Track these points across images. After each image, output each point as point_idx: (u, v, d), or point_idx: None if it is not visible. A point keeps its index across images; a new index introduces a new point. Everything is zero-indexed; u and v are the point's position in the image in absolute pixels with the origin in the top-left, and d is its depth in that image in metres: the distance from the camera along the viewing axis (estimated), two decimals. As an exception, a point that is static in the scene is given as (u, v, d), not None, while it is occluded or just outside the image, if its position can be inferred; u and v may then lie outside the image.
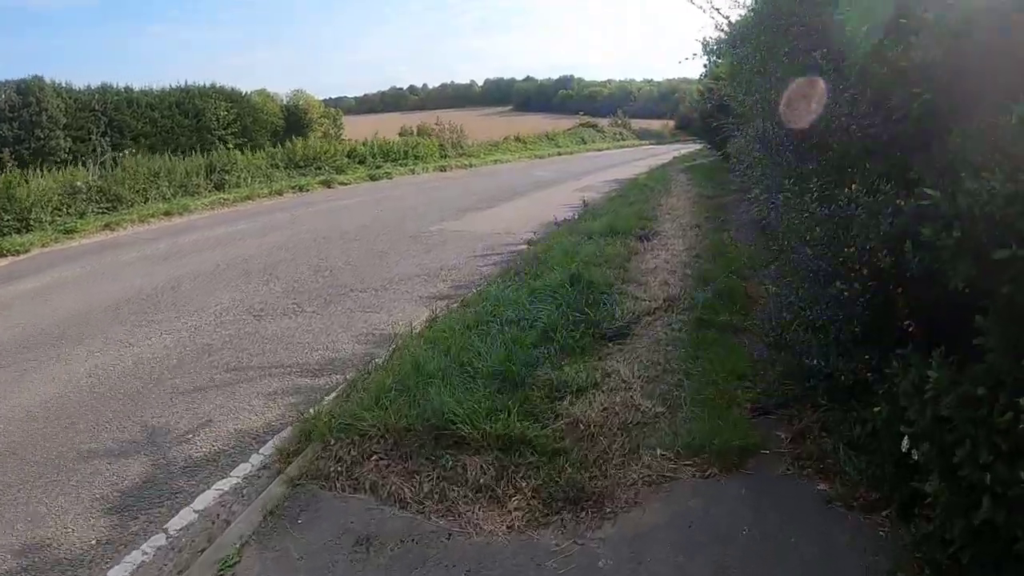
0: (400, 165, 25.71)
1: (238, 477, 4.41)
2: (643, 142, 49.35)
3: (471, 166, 28.00)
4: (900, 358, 3.13)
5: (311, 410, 4.79)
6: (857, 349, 3.75)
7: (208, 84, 27.70)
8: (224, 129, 26.55)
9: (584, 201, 13.59)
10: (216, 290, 8.81)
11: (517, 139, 36.05)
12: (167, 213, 16.17)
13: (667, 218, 11.65)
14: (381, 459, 4.12)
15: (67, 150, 20.25)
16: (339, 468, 4.07)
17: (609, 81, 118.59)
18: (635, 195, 14.61)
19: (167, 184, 18.08)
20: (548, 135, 39.62)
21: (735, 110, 10.91)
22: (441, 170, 26.22)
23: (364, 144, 26.13)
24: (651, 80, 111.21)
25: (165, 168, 18.55)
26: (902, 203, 3.00)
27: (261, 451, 4.70)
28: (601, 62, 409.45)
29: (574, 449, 3.98)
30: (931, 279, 2.91)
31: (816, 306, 3.90)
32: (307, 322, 7.39)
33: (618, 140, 47.07)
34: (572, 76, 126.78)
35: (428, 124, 72.68)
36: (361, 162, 25.04)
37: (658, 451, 3.97)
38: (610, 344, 5.55)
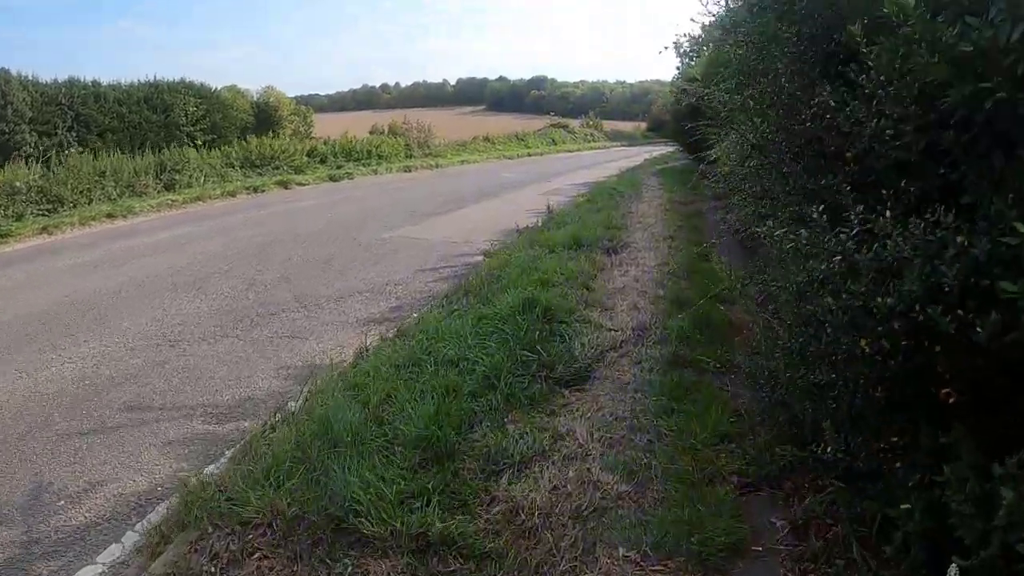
0: (363, 165, 24.64)
1: (103, 565, 3.46)
2: (614, 143, 48.61)
3: (437, 167, 26.97)
4: (948, 454, 2.28)
5: (193, 479, 3.82)
6: (880, 422, 2.87)
7: (177, 79, 27.30)
8: (193, 125, 26.00)
9: (549, 207, 12.59)
10: (137, 308, 7.71)
11: (486, 139, 35.07)
12: (110, 215, 14.98)
13: (637, 227, 10.77)
14: (265, 558, 3.15)
15: (33, 145, 19.28)
16: (213, 569, 3.12)
17: (582, 82, 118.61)
18: (604, 200, 13.71)
19: (113, 184, 16.95)
20: (518, 136, 38.65)
21: (717, 111, 10.07)
22: (406, 170, 25.18)
23: (325, 143, 25.07)
24: (624, 82, 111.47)
25: (112, 167, 17.44)
26: (964, 240, 2.09)
27: (138, 527, 3.72)
28: (575, 63, 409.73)
29: (511, 551, 3.02)
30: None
31: (826, 362, 3.00)
32: (227, 349, 6.37)
33: (589, 141, 46.22)
34: (545, 77, 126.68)
35: (399, 123, 72.03)
36: (322, 161, 23.96)
37: (620, 551, 3.05)
38: (566, 392, 4.58)
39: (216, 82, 53.92)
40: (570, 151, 40.01)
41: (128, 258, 10.44)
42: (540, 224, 11.30)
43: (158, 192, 17.83)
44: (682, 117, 20.71)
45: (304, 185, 20.62)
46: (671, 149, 35.79)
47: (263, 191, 19.28)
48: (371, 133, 62.23)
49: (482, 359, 4.77)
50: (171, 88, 26.59)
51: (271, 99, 55.67)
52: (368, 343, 5.76)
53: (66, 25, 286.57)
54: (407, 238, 11.35)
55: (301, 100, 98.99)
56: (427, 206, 15.08)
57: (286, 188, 20.00)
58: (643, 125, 61.33)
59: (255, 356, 6.16)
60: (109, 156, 18.77)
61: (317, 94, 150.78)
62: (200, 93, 28.12)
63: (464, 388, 4.35)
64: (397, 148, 27.47)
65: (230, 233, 12.32)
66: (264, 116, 52.75)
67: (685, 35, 25.87)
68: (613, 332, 5.62)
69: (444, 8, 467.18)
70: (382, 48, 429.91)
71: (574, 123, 51.41)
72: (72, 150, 19.56)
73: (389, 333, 6.15)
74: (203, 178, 19.72)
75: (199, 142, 26.20)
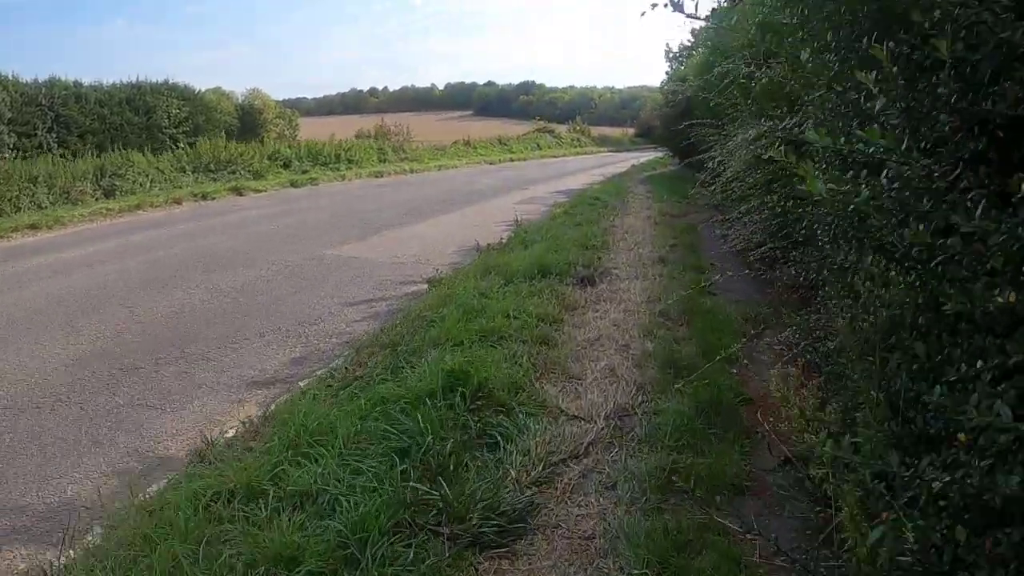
0: (331, 170, 22.75)
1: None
2: (602, 149, 46.85)
3: (412, 172, 25.07)
4: None
5: None
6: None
7: (161, 81, 26.63)
8: (175, 128, 25.08)
9: (517, 220, 10.69)
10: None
11: (467, 144, 33.21)
12: (33, 227, 13.04)
13: (621, 246, 8.92)
14: None
15: (11, 146, 18.24)
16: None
17: (571, 87, 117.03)
18: (584, 212, 11.86)
19: (46, 191, 15.08)
20: (501, 140, 36.80)
21: (718, 108, 8.30)
22: (377, 176, 23.28)
23: (290, 146, 23.14)
24: (612, 87, 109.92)
25: (45, 172, 15.54)
26: None
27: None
28: (565, 69, 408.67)
29: None
30: None
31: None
32: (52, 425, 4.47)
33: (575, 147, 44.41)
34: (534, 82, 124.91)
35: (386, 126, 70.37)
36: (286, 166, 22.04)
37: None
38: (481, 563, 2.66)
39: (206, 83, 52.41)
40: (555, 156, 38.17)
41: (16, 284, 8.45)
42: (505, 242, 9.36)
43: (96, 200, 15.91)
44: (672, 120, 18.96)
45: (260, 192, 18.70)
46: (660, 155, 34.17)
47: (214, 198, 17.36)
48: (357, 137, 60.72)
49: (350, 496, 2.85)
50: (154, 89, 25.89)
51: (256, 102, 54.07)
52: (212, 440, 3.85)
53: (58, 24, 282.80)
54: (349, 257, 9.46)
55: (289, 103, 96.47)
56: (385, 217, 13.19)
57: (240, 195, 18.08)
58: (631, 131, 60.00)
59: (83, 439, 4.26)
60: (47, 160, 17.12)
61: (305, 97, 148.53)
62: (183, 95, 27.37)
63: (304, 561, 2.45)
64: (369, 152, 25.59)
65: (150, 251, 10.33)
66: (249, 119, 51.33)
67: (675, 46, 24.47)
68: (577, 424, 3.74)
69: (436, 11, 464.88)
70: (373, 51, 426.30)
71: (561, 128, 49.66)
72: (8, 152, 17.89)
73: (280, 396, 4.31)
74: (149, 184, 17.79)
75: (181, 144, 25.29)
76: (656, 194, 14.87)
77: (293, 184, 19.98)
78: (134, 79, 25.65)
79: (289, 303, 7.18)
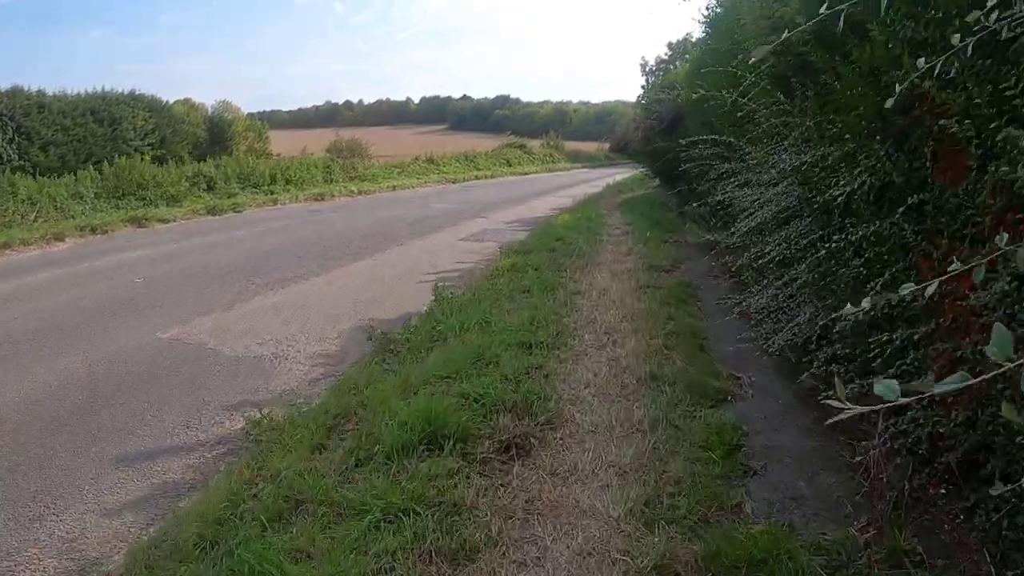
0: (263, 192, 19.42)
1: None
2: (575, 165, 43.82)
3: (360, 193, 21.77)
4: None
5: None
6: None
7: (127, 91, 25.89)
8: (141, 140, 24.10)
9: (436, 290, 7.28)
10: None
11: (429, 161, 29.95)
12: None
13: (588, 340, 5.56)
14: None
15: None
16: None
17: (546, 102, 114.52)
18: (541, 262, 8.51)
19: None
20: (467, 156, 33.52)
21: (745, 118, 5.14)
22: (317, 198, 19.96)
23: (217, 166, 19.72)
24: (587, 102, 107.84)
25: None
26: None
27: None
28: (539, 83, 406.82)
29: None
30: None
31: None
32: None
33: (547, 163, 41.28)
34: (509, 96, 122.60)
35: (358, 140, 67.17)
36: (209, 188, 18.66)
37: None
38: None
39: (181, 95, 49.56)
40: (526, 174, 35.02)
41: None
42: (411, 329, 6.03)
43: (-49, 235, 12.60)
44: (654, 136, 15.86)
45: (168, 222, 15.32)
46: (637, 172, 31.21)
47: (106, 231, 13.96)
48: (327, 152, 57.52)
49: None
50: (119, 100, 25.03)
51: (226, 114, 50.74)
52: None
53: (31, 33, 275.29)
54: (186, 347, 6.16)
55: (264, 115, 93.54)
56: (285, 264, 9.88)
57: (140, 226, 14.71)
58: (606, 146, 57.57)
59: None
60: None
61: (279, 110, 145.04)
62: (150, 106, 26.64)
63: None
64: (313, 171, 22.26)
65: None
66: (217, 131, 48.71)
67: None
68: None
69: (414, 26, 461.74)
70: (349, 64, 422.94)
71: (533, 143, 46.55)
72: None
73: None
74: (34, 215, 14.37)
75: (147, 157, 23.10)
76: (636, 226, 11.72)
77: (212, 211, 16.62)
78: (99, 89, 24.46)
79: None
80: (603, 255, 9.08)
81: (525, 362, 4.59)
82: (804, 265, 4.22)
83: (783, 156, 4.60)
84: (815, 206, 4.21)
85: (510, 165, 36.08)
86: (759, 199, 5.03)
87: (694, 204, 12.03)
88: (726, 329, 5.38)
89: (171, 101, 31.94)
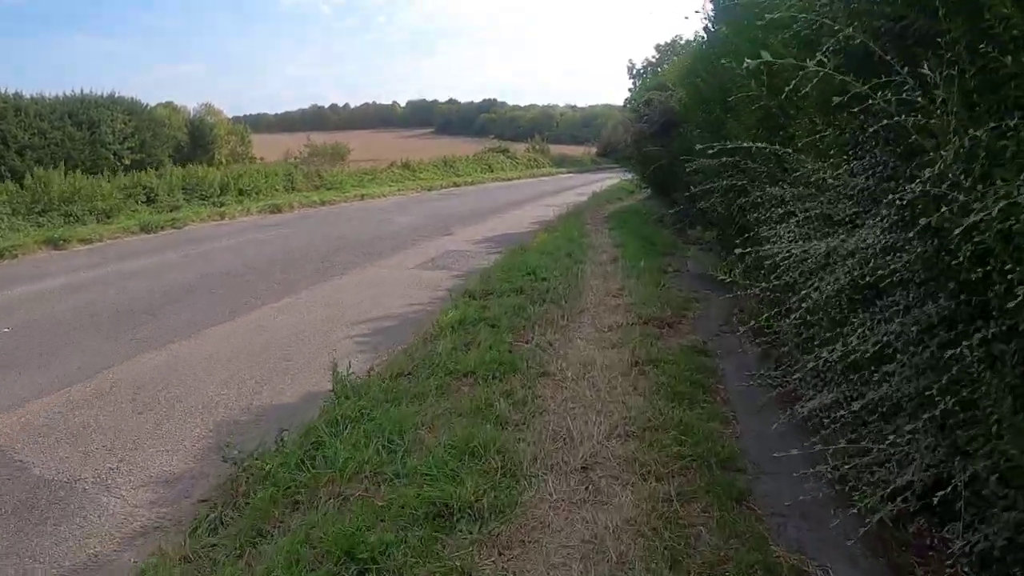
0: (211, 204, 17.27)
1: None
2: (560, 170, 41.72)
3: (324, 203, 19.62)
4: None
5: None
6: None
7: (107, 94, 24.94)
8: (120, 144, 23.39)
9: (335, 378, 5.04)
10: None
11: (405, 166, 27.78)
12: None
13: (552, 462, 3.43)
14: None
15: None
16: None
17: (532, 106, 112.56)
18: (504, 306, 6.32)
19: None
20: (446, 161, 31.34)
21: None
22: (274, 210, 17.82)
23: (160, 176, 17.55)
24: (574, 106, 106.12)
25: None
26: None
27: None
28: (525, 87, 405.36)
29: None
30: None
31: None
32: None
33: (531, 168, 39.16)
34: (495, 100, 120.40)
35: (342, 144, 64.95)
36: (149, 200, 16.49)
37: None
38: None
39: (166, 98, 47.92)
40: (508, 180, 32.93)
41: None
42: (264, 464, 3.81)
43: None
44: (645, 140, 13.86)
45: (91, 242, 13.16)
46: (624, 178, 29.23)
47: (15, 254, 11.80)
48: (305, 155, 55.33)
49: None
50: (98, 103, 24.08)
51: (208, 117, 48.64)
52: None
53: (16, 37, 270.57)
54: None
55: (250, 119, 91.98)
56: (186, 306, 7.80)
57: (58, 248, 12.55)
58: (593, 150, 55.78)
59: None
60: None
61: (265, 113, 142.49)
62: (130, 109, 25.70)
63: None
64: (271, 180, 20.11)
65: None
66: (199, 135, 47.64)
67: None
68: None
69: (400, 29, 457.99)
70: (336, 67, 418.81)
71: (518, 147, 44.45)
72: None
73: None
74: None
75: (126, 161, 23.68)
76: (627, 251, 9.62)
77: (146, 228, 14.45)
78: (78, 92, 23.77)
79: None
80: (586, 296, 6.97)
81: (434, 563, 2.50)
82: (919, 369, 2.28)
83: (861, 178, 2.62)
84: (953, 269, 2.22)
85: (492, 171, 33.98)
86: (827, 249, 2.96)
87: (698, 228, 10.08)
88: (767, 441, 3.35)
89: (152, 104, 30.65)
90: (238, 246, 12.28)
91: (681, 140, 11.37)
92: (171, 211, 16.26)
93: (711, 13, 9.61)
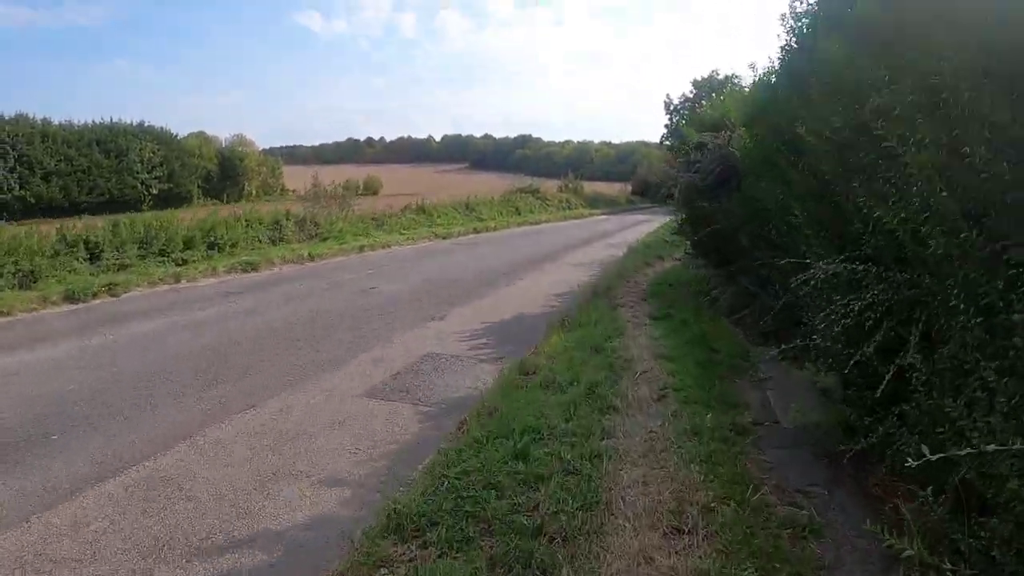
0: (174, 262, 14.21)
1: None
2: (594, 211, 38.36)
3: (314, 258, 16.43)
4: None
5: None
6: None
7: (136, 122, 25.10)
8: (148, 172, 23.62)
9: None
10: None
11: (420, 210, 24.64)
12: None
13: None
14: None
15: None
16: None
17: (567, 142, 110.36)
18: None
19: None
20: (468, 204, 28.07)
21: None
22: (247, 270, 14.69)
23: (115, 226, 14.51)
24: (609, 142, 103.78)
25: None
26: None
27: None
28: (561, 123, 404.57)
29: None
30: None
31: None
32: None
33: (563, 209, 35.83)
34: (531, 135, 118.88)
35: (376, 177, 62.41)
36: (93, 257, 13.46)
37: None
38: None
39: (203, 128, 47.06)
40: (536, 223, 29.61)
41: None
42: None
43: None
44: (695, 194, 10.56)
45: (-13, 317, 10.17)
46: (663, 220, 25.93)
47: None
48: (344, 189, 53.11)
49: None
50: (127, 131, 24.29)
51: (239, 148, 46.75)
52: None
53: (64, 62, 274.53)
54: None
55: (284, 151, 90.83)
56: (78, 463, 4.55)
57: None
58: (628, 188, 52.80)
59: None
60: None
61: (301, 145, 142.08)
62: (159, 138, 25.87)
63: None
64: (255, 230, 17.03)
65: None
66: (229, 166, 46.02)
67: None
68: None
69: (438, 62, 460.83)
70: (372, 100, 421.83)
71: (550, 184, 41.30)
72: None
73: None
74: None
75: (154, 191, 24.55)
76: (681, 384, 6.11)
77: (73, 297, 11.34)
78: (107, 119, 23.88)
79: None
80: (611, 536, 3.54)
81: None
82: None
83: None
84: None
85: (519, 213, 30.70)
86: None
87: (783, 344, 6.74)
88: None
89: (183, 134, 31.61)
90: (159, 334, 9.06)
91: (744, 199, 8.06)
92: (119, 270, 13.24)
93: (805, 19, 6.41)
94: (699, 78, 48.71)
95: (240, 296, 11.79)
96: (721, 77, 40.14)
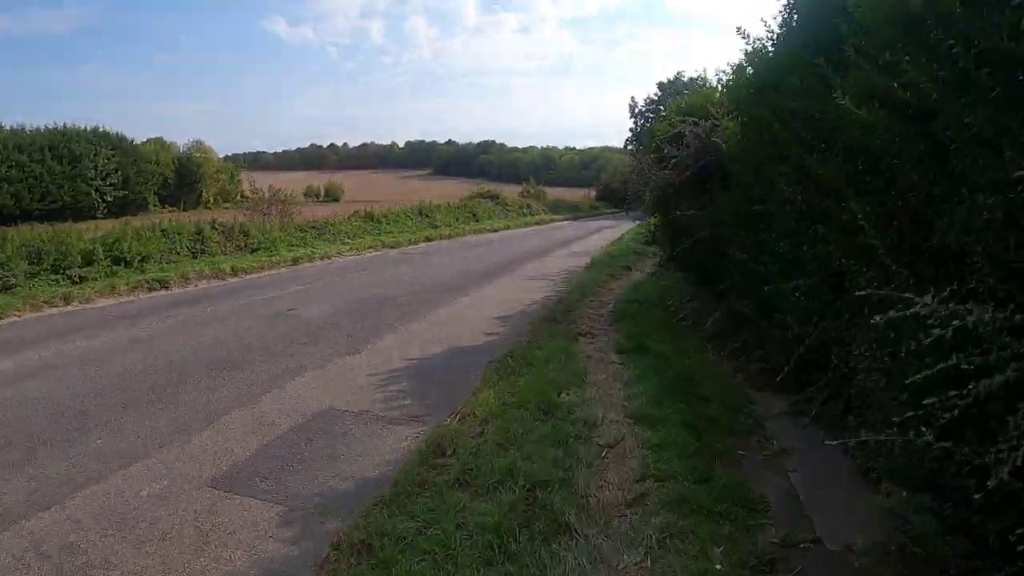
0: (70, 279, 11.99)
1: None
2: (556, 216, 36.58)
3: (237, 273, 14.27)
4: None
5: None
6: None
7: (91, 127, 24.04)
8: (103, 180, 22.90)
9: None
10: None
11: (368, 218, 22.53)
12: None
13: None
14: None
15: None
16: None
17: (531, 147, 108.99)
18: None
19: None
20: (421, 210, 26.01)
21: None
22: (158, 287, 12.52)
23: (3, 239, 12.20)
24: (573, 148, 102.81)
25: None
26: None
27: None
28: (528, 130, 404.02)
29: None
30: None
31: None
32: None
33: (524, 215, 33.95)
34: (494, 142, 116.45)
35: (336, 184, 60.11)
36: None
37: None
38: None
39: (171, 135, 45.58)
40: (494, 231, 27.65)
41: None
42: None
43: None
44: (672, 195, 8.68)
45: None
46: (628, 226, 24.29)
47: None
48: (305, 195, 50.73)
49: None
50: (81, 136, 23.30)
51: (197, 154, 44.52)
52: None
53: (28, 67, 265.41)
54: None
55: (247, 157, 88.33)
56: None
57: None
58: (592, 193, 51.40)
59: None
60: None
61: (265, 152, 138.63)
62: (115, 143, 24.84)
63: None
64: (175, 242, 14.81)
65: None
66: (186, 172, 43.64)
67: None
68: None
69: (405, 70, 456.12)
70: (340, 107, 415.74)
71: (510, 191, 39.44)
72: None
73: None
74: None
75: (108, 199, 23.71)
76: (665, 466, 4.17)
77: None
78: (60, 124, 22.82)
79: None
80: None
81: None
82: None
83: None
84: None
85: (477, 220, 28.70)
86: None
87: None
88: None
89: (140, 139, 30.58)
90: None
91: (736, 201, 6.24)
92: (4, 291, 11.03)
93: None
94: (666, 80, 47.07)
95: (130, 323, 9.61)
96: (687, 79, 38.46)
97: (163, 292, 12.45)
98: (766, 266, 5.16)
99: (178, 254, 14.79)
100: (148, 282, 12.65)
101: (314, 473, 4.53)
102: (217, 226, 16.33)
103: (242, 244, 16.34)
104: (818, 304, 4.54)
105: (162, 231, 14.99)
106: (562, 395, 5.43)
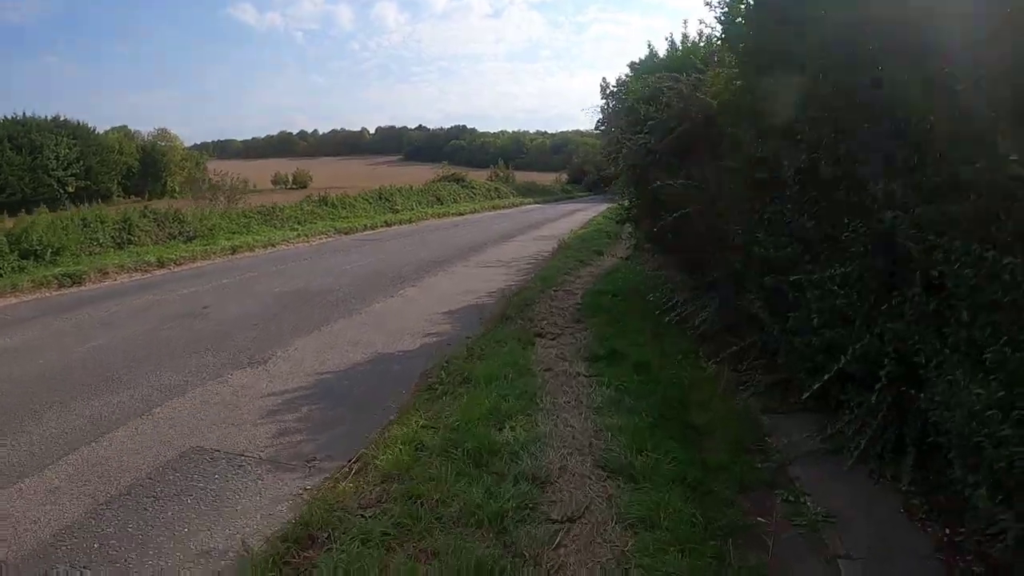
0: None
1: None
2: (526, 200, 35.04)
3: (165, 265, 12.57)
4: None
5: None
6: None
7: (51, 117, 23.50)
8: (64, 170, 22.00)
9: None
10: None
11: (323, 202, 20.80)
12: None
13: None
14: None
15: None
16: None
17: (502, 132, 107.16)
18: None
19: None
20: (381, 194, 24.29)
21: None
22: (67, 283, 10.81)
23: None
24: (544, 132, 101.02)
25: None
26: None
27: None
28: (499, 115, 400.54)
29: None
30: None
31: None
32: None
33: (492, 199, 32.33)
34: (465, 126, 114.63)
35: (304, 171, 58.17)
36: None
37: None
38: None
39: (136, 124, 44.00)
40: (460, 214, 26.07)
41: None
42: None
43: None
44: (649, 166, 7.17)
45: None
46: (600, 208, 22.95)
47: None
48: (273, 183, 48.89)
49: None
50: (41, 126, 22.75)
51: (161, 143, 43.17)
52: None
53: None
54: None
55: (216, 145, 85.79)
56: None
57: None
58: (563, 176, 50.23)
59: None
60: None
61: (233, 140, 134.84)
62: (77, 133, 24.11)
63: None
64: (96, 231, 13.06)
65: None
66: (151, 161, 41.80)
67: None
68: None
69: (375, 55, 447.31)
70: (308, 95, 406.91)
71: (478, 174, 37.73)
72: None
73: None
74: None
75: (71, 189, 22.38)
76: (658, 529, 2.78)
77: None
78: (19, 114, 22.41)
79: None
80: None
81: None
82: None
83: None
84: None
85: (441, 203, 27.03)
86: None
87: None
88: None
89: (102, 129, 30.11)
90: None
91: (729, 168, 4.81)
92: None
93: None
94: (637, 60, 45.63)
95: (7, 329, 7.95)
96: (659, 59, 36.97)
97: (73, 289, 10.80)
98: (776, 249, 3.70)
99: (100, 245, 13.04)
100: (58, 278, 10.95)
101: (142, 557, 3.01)
102: (148, 213, 14.57)
103: (176, 232, 14.61)
104: (862, 301, 3.09)
105: (82, 220, 13.24)
106: (505, 430, 3.94)
